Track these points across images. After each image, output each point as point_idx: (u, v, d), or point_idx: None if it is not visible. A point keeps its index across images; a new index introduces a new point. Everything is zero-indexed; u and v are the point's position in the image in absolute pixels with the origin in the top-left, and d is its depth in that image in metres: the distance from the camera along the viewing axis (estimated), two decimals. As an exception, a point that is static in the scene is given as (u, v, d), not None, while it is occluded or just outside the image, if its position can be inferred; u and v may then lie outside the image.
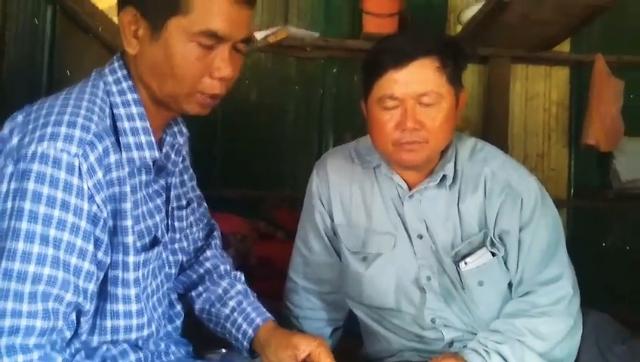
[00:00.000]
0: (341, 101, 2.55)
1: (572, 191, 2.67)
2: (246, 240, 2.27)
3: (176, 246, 1.01)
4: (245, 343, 1.02)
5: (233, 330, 1.04)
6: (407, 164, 1.07)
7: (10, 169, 0.76)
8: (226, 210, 2.12)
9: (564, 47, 2.60)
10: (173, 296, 1.03)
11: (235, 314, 1.05)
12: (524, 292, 1.08)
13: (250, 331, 1.02)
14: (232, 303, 1.06)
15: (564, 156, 2.67)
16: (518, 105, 2.62)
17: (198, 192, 1.13)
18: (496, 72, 2.48)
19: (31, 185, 0.74)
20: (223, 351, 1.13)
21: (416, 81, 1.02)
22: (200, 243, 1.13)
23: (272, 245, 2.21)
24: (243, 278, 1.14)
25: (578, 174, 2.66)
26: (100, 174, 0.79)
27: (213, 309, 1.07)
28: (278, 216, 2.29)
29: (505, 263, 1.09)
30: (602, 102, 2.46)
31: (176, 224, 1.00)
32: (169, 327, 1.00)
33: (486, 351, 1.02)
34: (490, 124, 2.48)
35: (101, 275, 0.82)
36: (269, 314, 1.06)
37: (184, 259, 1.08)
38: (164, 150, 0.94)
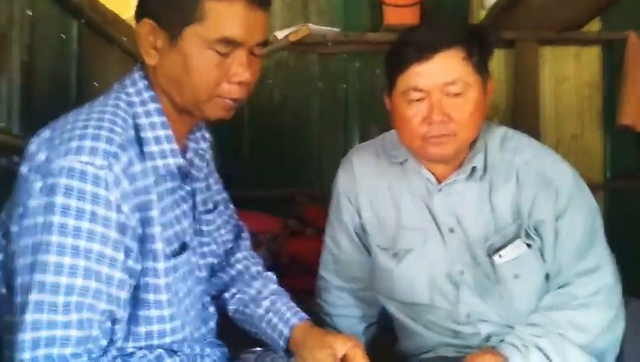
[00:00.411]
0: (365, 95, 2.53)
1: (608, 173, 2.58)
2: (277, 239, 2.28)
3: (206, 249, 1.02)
4: (282, 343, 1.02)
5: (268, 330, 1.04)
6: (435, 158, 1.05)
7: (39, 184, 0.78)
8: (256, 209, 2.14)
9: (594, 26, 2.51)
10: (206, 299, 1.04)
11: (270, 314, 1.05)
12: (561, 283, 1.05)
13: (285, 330, 1.02)
14: (266, 303, 1.06)
15: (598, 138, 2.58)
16: (548, 88, 2.54)
17: (225, 195, 1.14)
18: (523, 56, 2.41)
19: (59, 199, 0.75)
20: (259, 349, 1.14)
21: (440, 72, 1.00)
22: (229, 246, 1.14)
23: (302, 242, 2.22)
24: (275, 278, 1.14)
25: (614, 156, 2.57)
26: (125, 184, 0.80)
27: (247, 310, 1.08)
28: (308, 214, 2.29)
29: (541, 254, 1.06)
30: (637, 81, 2.36)
31: (205, 228, 1.02)
32: (203, 329, 1.01)
33: (524, 345, 0.99)
34: (519, 110, 2.41)
35: (134, 283, 0.83)
36: (304, 314, 1.06)
37: (215, 261, 1.09)
38: (188, 156, 0.95)
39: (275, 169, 2.51)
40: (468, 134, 1.04)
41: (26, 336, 0.74)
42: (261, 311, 1.06)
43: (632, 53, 2.38)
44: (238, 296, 1.10)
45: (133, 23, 1.91)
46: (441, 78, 1.00)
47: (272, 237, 2.27)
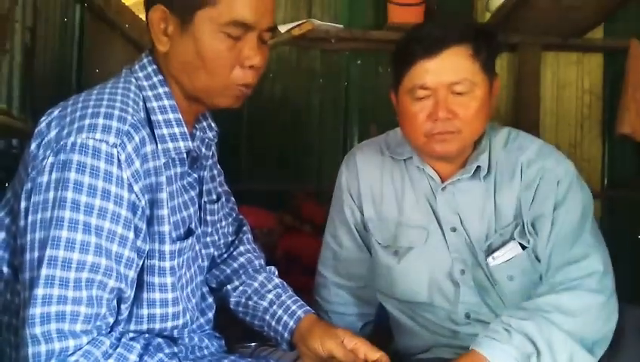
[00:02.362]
0: (366, 93, 2.52)
1: (606, 181, 2.59)
2: (272, 234, 2.27)
3: (208, 239, 1.02)
4: (286, 334, 1.02)
5: (273, 322, 1.03)
6: (439, 155, 1.05)
7: (50, 160, 0.77)
8: (252, 203, 2.12)
9: (597, 33, 2.51)
10: (205, 289, 1.04)
11: (275, 306, 1.04)
12: (551, 275, 1.03)
13: (291, 322, 1.01)
14: (270, 296, 1.06)
15: (597, 146, 2.58)
16: (549, 94, 2.55)
17: (226, 187, 1.14)
18: (526, 60, 2.41)
19: (72, 175, 0.75)
20: (253, 344, 1.13)
21: (448, 69, 0.99)
22: (230, 238, 1.14)
23: (299, 239, 2.20)
24: (277, 272, 1.13)
25: (612, 165, 2.57)
26: (137, 164, 0.80)
27: (250, 302, 1.07)
28: (305, 210, 2.28)
29: (535, 255, 1.05)
30: (638, 89, 2.37)
31: (208, 218, 1.01)
32: (202, 320, 1.00)
33: (506, 329, 0.94)
34: (520, 114, 2.41)
35: (140, 263, 0.83)
36: (309, 307, 1.05)
37: (216, 253, 1.08)
38: (195, 143, 0.95)
39: (272, 163, 2.50)
40: (472, 132, 1.04)
41: (36, 311, 0.73)
42: (265, 303, 1.05)
43: (634, 61, 2.38)
44: (240, 288, 1.09)
45: (136, 9, 1.90)
46: (447, 76, 0.99)
47: (267, 232, 2.25)
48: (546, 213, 1.04)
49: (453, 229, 1.10)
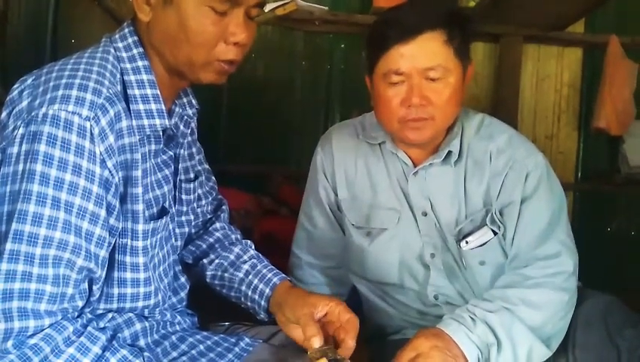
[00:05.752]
0: (348, 77, 2.52)
1: (579, 174, 2.64)
2: (250, 216, 2.26)
3: (183, 218, 1.01)
4: (263, 302, 1.01)
5: (249, 292, 1.03)
6: (412, 142, 1.05)
7: (20, 131, 0.74)
8: (231, 185, 2.11)
9: (578, 27, 2.55)
10: (178, 268, 1.03)
11: (250, 276, 1.03)
12: (518, 266, 1.05)
13: (267, 290, 1.01)
14: (246, 266, 1.05)
15: (573, 139, 2.64)
16: (528, 85, 2.58)
17: (206, 166, 1.12)
18: (507, 51, 2.43)
19: (42, 148, 0.73)
20: (227, 323, 1.13)
21: (422, 55, 0.99)
22: (209, 216, 1.13)
23: (276, 221, 2.20)
24: (253, 246, 1.13)
25: (586, 158, 2.63)
26: (111, 139, 0.77)
27: (226, 274, 1.06)
28: (283, 193, 2.27)
29: (504, 239, 1.06)
30: (615, 85, 2.42)
31: (184, 197, 1.00)
32: (174, 299, 0.99)
33: (472, 318, 0.97)
34: (499, 104, 2.44)
35: (112, 242, 0.81)
36: (285, 275, 1.05)
37: (192, 231, 1.08)
38: (173, 121, 0.93)
39: (251, 145, 2.48)
40: (445, 119, 1.04)
41: None
42: (241, 274, 1.05)
43: (613, 56, 2.42)
44: (216, 261, 1.08)
45: (115, -21, 1.84)
46: (422, 62, 0.99)
47: (245, 214, 2.25)
48: (512, 204, 1.05)
49: (424, 214, 1.11)
